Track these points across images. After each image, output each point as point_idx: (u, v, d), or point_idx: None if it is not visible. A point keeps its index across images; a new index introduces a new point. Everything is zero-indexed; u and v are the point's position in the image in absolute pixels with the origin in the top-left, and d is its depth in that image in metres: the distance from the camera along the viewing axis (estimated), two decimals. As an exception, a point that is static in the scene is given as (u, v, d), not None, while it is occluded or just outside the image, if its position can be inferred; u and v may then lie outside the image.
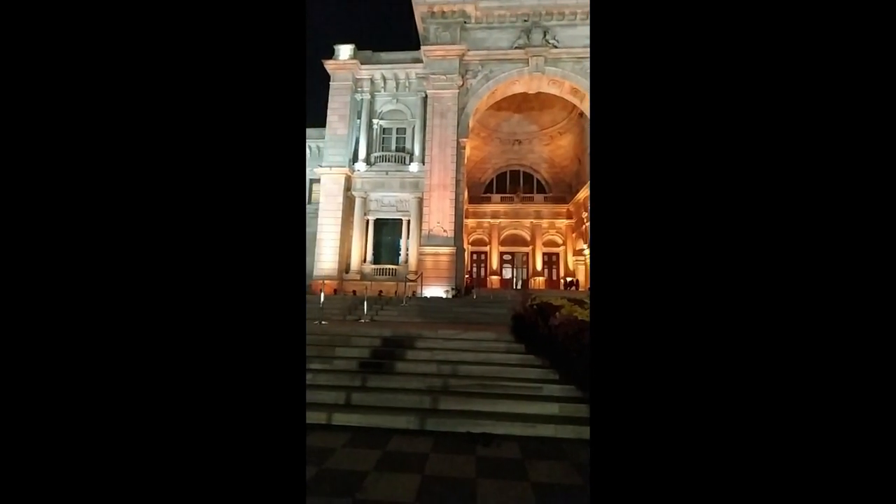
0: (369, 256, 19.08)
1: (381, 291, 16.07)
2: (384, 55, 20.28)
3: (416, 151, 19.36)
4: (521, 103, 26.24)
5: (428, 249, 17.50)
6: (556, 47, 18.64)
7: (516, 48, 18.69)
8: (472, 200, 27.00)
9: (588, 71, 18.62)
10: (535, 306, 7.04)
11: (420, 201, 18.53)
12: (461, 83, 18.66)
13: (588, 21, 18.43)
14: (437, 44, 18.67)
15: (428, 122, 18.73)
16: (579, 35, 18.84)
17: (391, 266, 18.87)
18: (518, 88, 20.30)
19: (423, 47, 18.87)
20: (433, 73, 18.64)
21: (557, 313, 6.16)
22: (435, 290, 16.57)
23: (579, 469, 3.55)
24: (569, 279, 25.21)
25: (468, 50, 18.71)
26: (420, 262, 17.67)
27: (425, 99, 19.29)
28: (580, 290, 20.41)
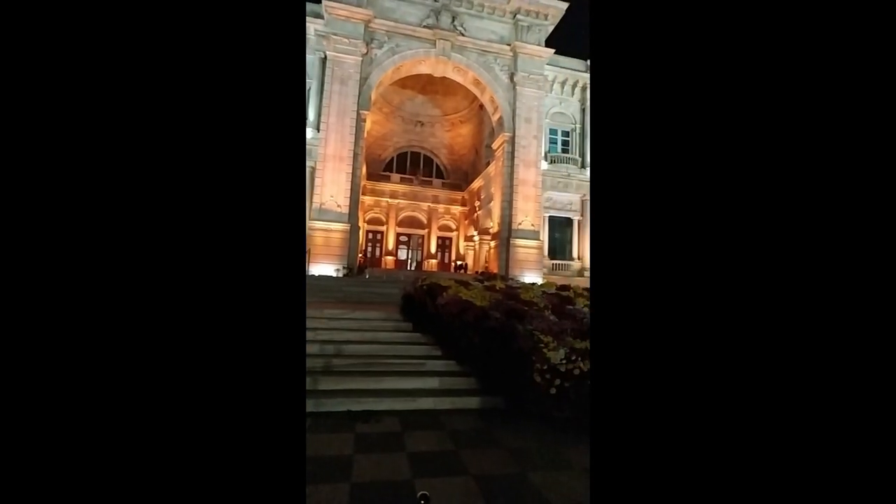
0: (249, 227, 16.96)
1: (261, 267, 14.43)
2: (278, 0, 17.79)
3: (311, 116, 17.76)
4: (427, 85, 26.18)
5: (319, 224, 16.41)
6: (463, 35, 18.96)
7: (425, 27, 18.42)
8: (370, 177, 26.18)
9: (490, 65, 19.51)
10: (424, 286, 7.25)
11: (312, 171, 17.15)
12: (365, 51, 17.64)
13: (494, 16, 19.36)
14: (340, 2, 17.18)
15: (326, 87, 17.28)
16: (486, 28, 19.50)
17: (275, 240, 17.09)
18: (424, 69, 20.14)
19: (324, 2, 17.16)
20: (335, 34, 17.17)
21: (445, 293, 6.46)
22: (324, 269, 15.71)
23: (453, 436, 3.84)
24: (459, 262, 26.66)
25: (374, 17, 17.72)
26: (309, 237, 16.46)
27: (324, 60, 17.71)
28: (468, 273, 21.78)
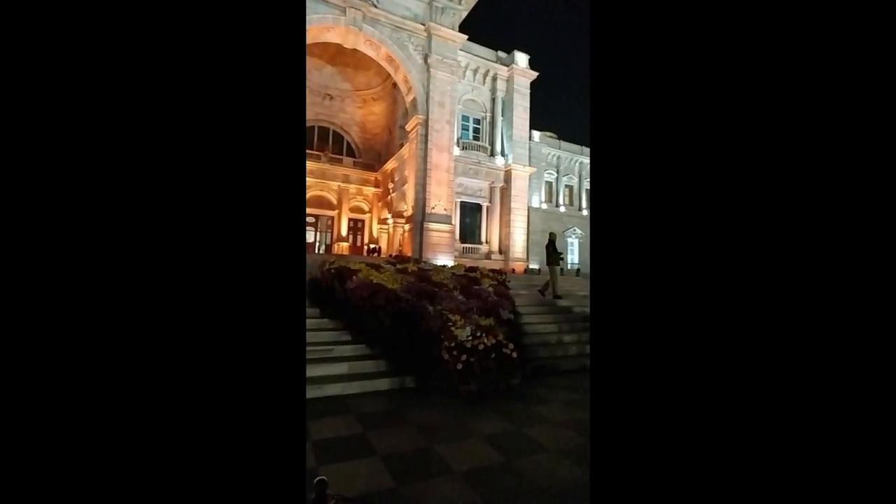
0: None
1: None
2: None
3: (196, 75, 15.28)
4: (336, 56, 24.47)
5: (208, 201, 14.42)
6: (375, 6, 18.06)
7: (334, -10, 17.07)
8: (271, 151, 23.71)
9: (404, 43, 19.00)
10: (332, 270, 6.93)
11: (199, 140, 14.88)
12: (264, 7, 15.67)
13: (408, -8, 18.78)
14: (231, -57, 14.85)
15: (214, 42, 14.97)
16: (400, 3, 18.84)
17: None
18: (332, 38, 18.73)
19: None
20: (225, -19, 14.85)
21: (355, 277, 6.27)
22: (216, 251, 13.92)
23: (361, 419, 3.81)
24: (372, 246, 26.09)
25: (275, -31, 15.80)
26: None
27: (212, 10, 15.25)
28: (382, 256, 21.49)
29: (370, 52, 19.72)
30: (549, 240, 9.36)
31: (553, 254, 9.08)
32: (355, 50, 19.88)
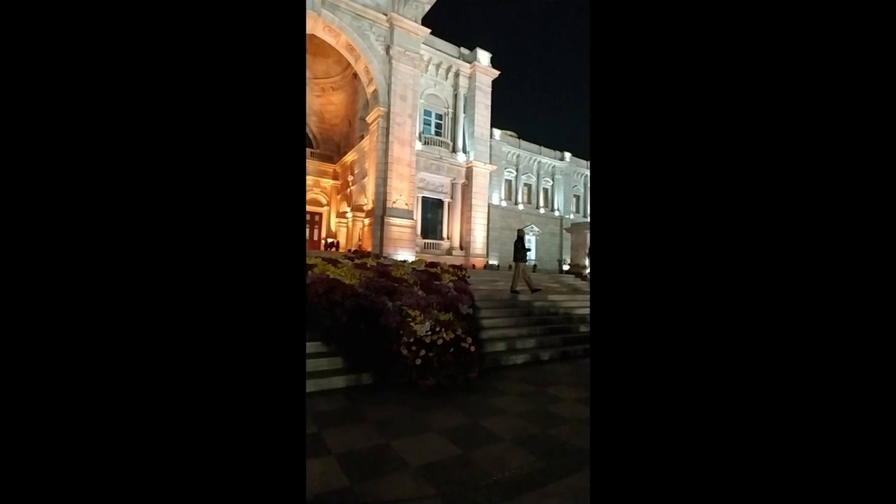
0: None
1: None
2: None
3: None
4: (293, 40, 23.28)
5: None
6: (335, -9, 17.40)
7: (290, -29, 16.20)
8: (220, 138, 22.20)
9: (365, 33, 18.50)
10: (287, 264, 6.64)
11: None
12: (211, -18, 14.55)
13: (370, -21, 18.26)
14: None
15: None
16: (360, -10, 18.28)
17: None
18: (289, 20, 17.81)
19: None
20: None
21: (310, 272, 6.05)
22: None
23: (316, 418, 3.69)
24: (330, 240, 25.32)
25: (224, -58, 14.71)
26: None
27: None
28: (340, 251, 20.93)
29: (329, 39, 18.99)
30: (518, 236, 9.56)
31: (521, 250, 9.27)
32: (313, 36, 19.05)
